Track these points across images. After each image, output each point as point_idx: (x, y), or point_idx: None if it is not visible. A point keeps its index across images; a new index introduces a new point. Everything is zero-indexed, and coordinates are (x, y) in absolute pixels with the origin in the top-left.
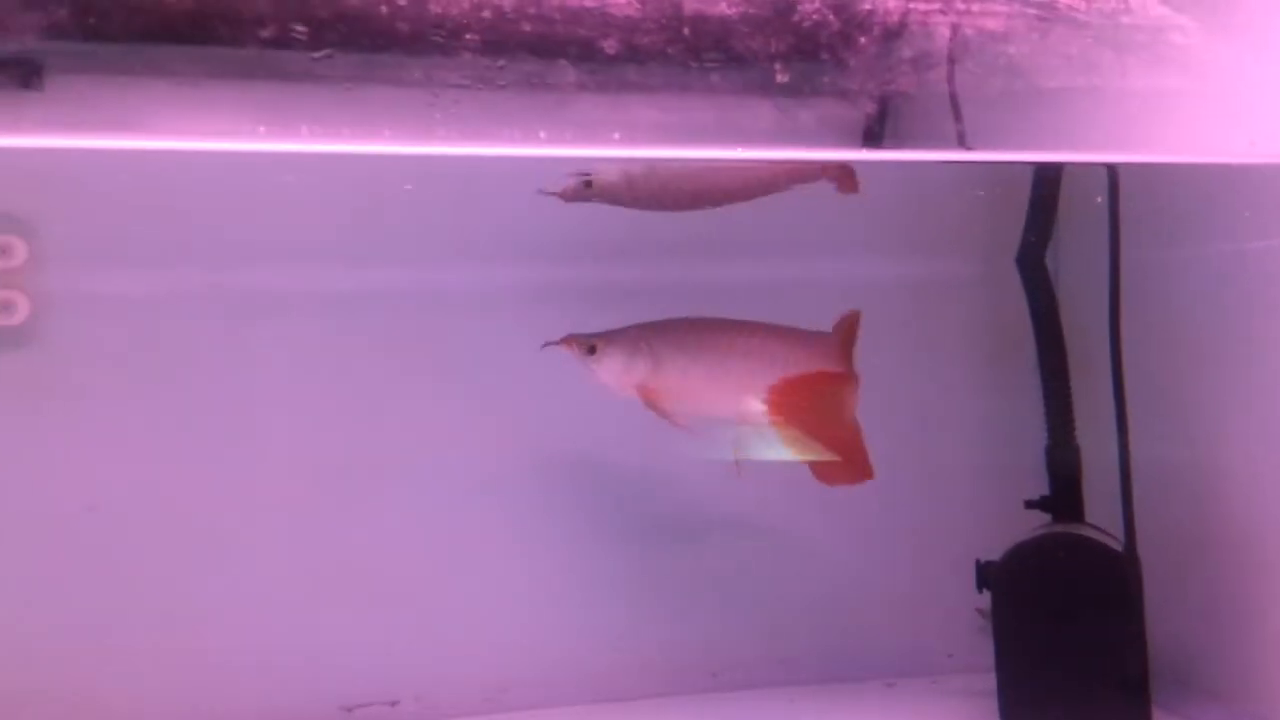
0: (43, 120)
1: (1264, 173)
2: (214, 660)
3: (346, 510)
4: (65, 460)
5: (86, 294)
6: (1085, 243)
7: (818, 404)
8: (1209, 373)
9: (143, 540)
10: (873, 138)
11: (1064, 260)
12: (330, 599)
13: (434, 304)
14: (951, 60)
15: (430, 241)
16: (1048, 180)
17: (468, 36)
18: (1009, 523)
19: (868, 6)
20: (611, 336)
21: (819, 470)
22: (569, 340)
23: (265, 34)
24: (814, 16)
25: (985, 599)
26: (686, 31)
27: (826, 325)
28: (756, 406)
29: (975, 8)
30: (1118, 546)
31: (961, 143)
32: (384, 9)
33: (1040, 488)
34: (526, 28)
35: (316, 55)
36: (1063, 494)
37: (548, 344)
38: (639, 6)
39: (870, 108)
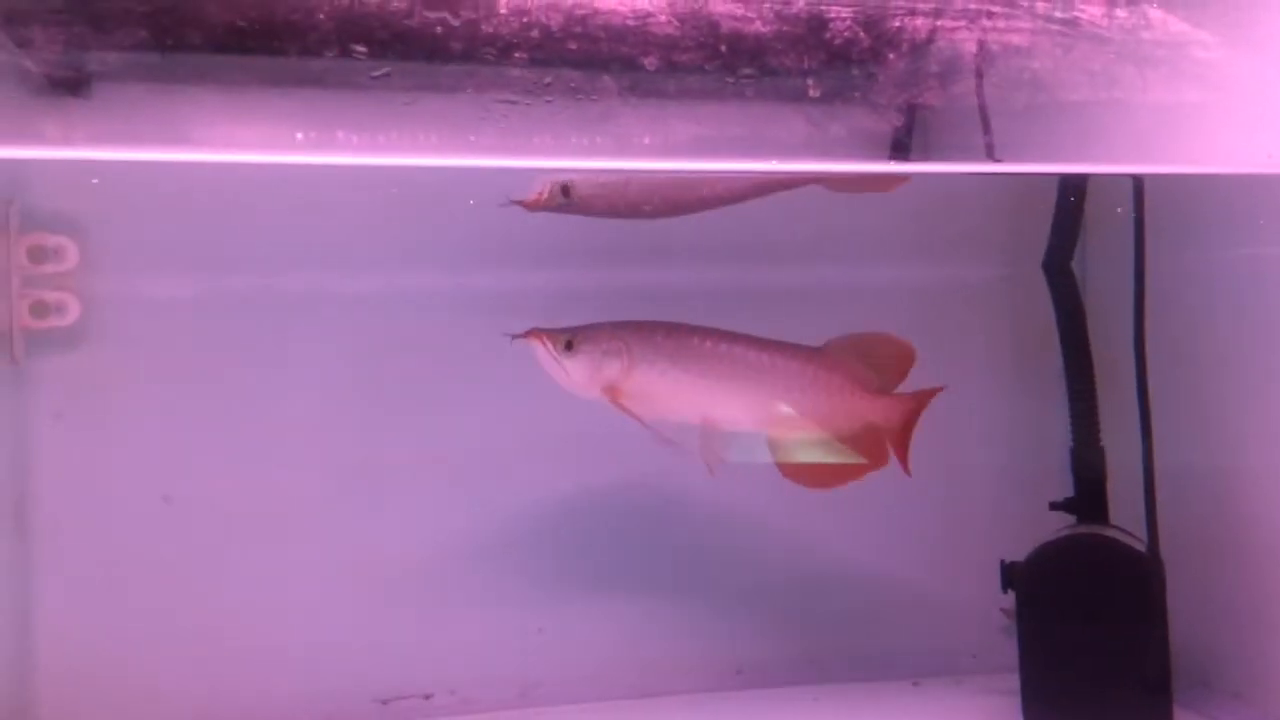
0: (90, 129)
1: None
2: (253, 652)
3: (386, 508)
4: (126, 456)
5: (135, 296)
6: (1111, 248)
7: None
8: (1232, 376)
9: (185, 537)
10: (901, 149)
11: (1091, 265)
12: (368, 594)
13: (473, 309)
14: (979, 74)
15: (472, 247)
16: (1073, 187)
17: (517, 55)
18: (1034, 524)
19: (897, 24)
20: (588, 333)
21: (819, 470)
22: (536, 333)
23: (329, 53)
24: (845, 34)
25: (1010, 599)
26: (723, 49)
27: (856, 329)
28: (743, 417)
29: (1000, 24)
30: (1142, 548)
31: (990, 154)
32: (439, 29)
33: (1065, 489)
34: (572, 46)
35: (376, 74)
36: (1087, 495)
37: (515, 336)
38: (678, 25)
39: (898, 120)
